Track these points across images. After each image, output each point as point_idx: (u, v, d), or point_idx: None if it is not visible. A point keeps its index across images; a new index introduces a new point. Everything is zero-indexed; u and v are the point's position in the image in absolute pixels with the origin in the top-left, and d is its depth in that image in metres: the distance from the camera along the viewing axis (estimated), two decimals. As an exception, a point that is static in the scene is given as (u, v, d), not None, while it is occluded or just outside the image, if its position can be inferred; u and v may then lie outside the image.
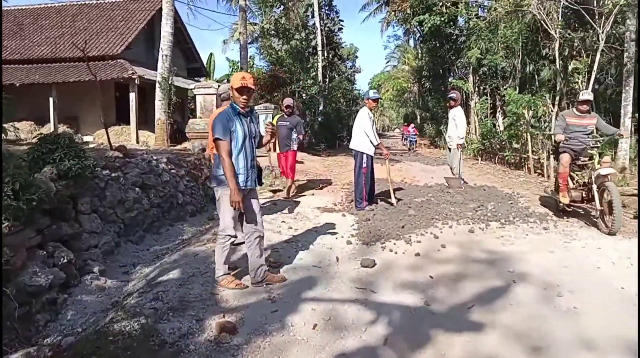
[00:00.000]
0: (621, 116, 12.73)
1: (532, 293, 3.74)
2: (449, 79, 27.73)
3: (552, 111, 11.55)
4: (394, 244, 5.13)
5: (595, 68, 10.63)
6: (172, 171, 7.23)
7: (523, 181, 10.49)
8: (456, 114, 8.84)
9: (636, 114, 13.55)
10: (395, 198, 7.15)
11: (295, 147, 7.86)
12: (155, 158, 6.97)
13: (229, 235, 3.87)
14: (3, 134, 4.59)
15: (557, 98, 13.20)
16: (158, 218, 6.46)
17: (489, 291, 3.80)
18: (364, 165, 6.77)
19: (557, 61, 12.50)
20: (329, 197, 8.16)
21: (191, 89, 9.98)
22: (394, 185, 8.98)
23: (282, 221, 6.23)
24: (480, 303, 3.56)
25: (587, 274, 4.16)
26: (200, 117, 9.73)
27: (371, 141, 6.74)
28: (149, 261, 5.25)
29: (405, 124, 31.91)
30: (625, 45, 11.96)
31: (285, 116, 7.81)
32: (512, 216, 6.23)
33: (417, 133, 27.95)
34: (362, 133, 6.75)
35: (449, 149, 9.28)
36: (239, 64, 16.93)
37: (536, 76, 16.87)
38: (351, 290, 3.87)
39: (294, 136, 7.76)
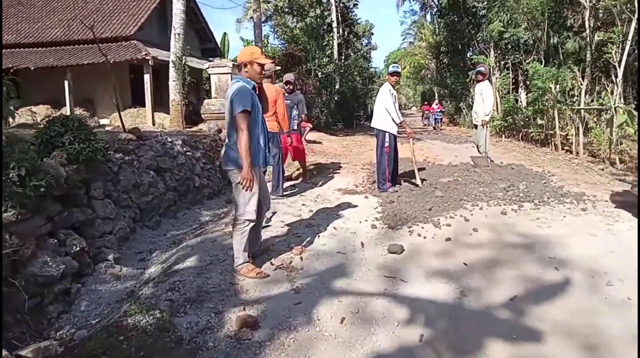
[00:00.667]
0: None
1: (578, 282, 3.42)
2: (468, 55, 26.90)
3: (581, 84, 10.93)
4: (422, 228, 4.83)
5: (630, 38, 9.96)
6: (188, 153, 6.99)
7: (551, 159, 10.03)
8: (483, 89, 8.34)
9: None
10: (420, 178, 6.83)
11: (295, 127, 7.23)
12: (170, 140, 6.73)
13: (249, 220, 3.61)
14: (15, 118, 4.38)
15: (588, 71, 12.53)
16: (175, 202, 6.25)
17: (531, 280, 3.49)
18: (387, 145, 6.43)
19: (588, 31, 11.82)
20: (350, 178, 7.87)
21: (205, 69, 9.66)
22: (417, 165, 8.67)
23: (303, 204, 5.98)
24: (522, 294, 3.27)
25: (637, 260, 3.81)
26: (216, 98, 9.45)
27: (393, 119, 6.38)
28: (166, 247, 5.06)
29: (426, 103, 30.84)
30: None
31: (286, 94, 7.13)
32: (546, 197, 5.85)
33: (443, 110, 27.14)
34: (384, 110, 6.40)
35: (475, 126, 8.83)
36: (254, 43, 16.50)
37: (560, 49, 16.12)
38: (380, 279, 3.60)
39: (295, 113, 7.16)
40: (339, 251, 4.22)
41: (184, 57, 9.56)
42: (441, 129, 23.58)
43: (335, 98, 23.91)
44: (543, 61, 15.36)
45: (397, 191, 6.42)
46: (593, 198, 5.82)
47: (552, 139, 12.23)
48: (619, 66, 9.76)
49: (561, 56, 16.11)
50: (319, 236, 4.66)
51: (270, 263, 3.97)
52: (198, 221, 6.19)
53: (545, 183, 6.63)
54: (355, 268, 3.82)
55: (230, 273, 3.72)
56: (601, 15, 13.78)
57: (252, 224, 3.65)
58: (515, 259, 3.92)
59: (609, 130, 9.30)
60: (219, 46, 24.57)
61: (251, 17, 18.09)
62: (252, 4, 15.47)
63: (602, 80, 11.66)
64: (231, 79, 9.76)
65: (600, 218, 4.97)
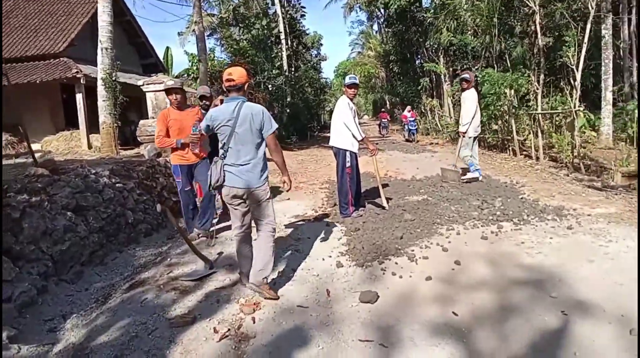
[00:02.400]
0: (602, 90, 12.14)
1: (604, 334, 2.78)
2: (417, 62, 27.00)
3: (537, 89, 10.74)
4: (395, 263, 4.12)
5: (586, 40, 9.84)
6: (118, 185, 5.98)
7: (514, 166, 9.69)
8: (466, 98, 7.72)
9: (614, 85, 13.05)
10: (386, 197, 6.16)
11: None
12: (94, 171, 5.72)
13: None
14: None
15: (541, 76, 12.45)
16: (101, 245, 5.23)
17: (546, 337, 2.82)
18: (348, 165, 5.72)
19: (539, 35, 11.72)
20: (308, 201, 7.10)
21: (140, 87, 8.67)
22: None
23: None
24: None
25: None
26: (153, 118, 8.46)
27: (354, 136, 5.69)
28: (87, 306, 4.08)
29: (383, 110, 28.24)
30: (601, 18, 11.31)
31: (203, 111, 5.51)
32: (525, 214, 5.31)
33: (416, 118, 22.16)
34: (343, 127, 5.69)
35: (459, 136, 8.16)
36: (198, 57, 15.51)
37: (508, 55, 16.19)
38: (354, 346, 2.84)
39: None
40: (300, 305, 3.43)
41: (114, 74, 8.51)
42: (418, 141, 19.46)
43: (287, 111, 23.20)
44: (495, 67, 15.28)
45: (361, 216, 5.71)
46: (574, 213, 5.34)
47: (510, 144, 12.00)
48: (577, 69, 9.59)
49: (508, 62, 16.18)
50: (274, 283, 3.85)
51: (214, 329, 3.13)
52: (132, 265, 5.18)
53: (518, 196, 6.12)
54: (321, 331, 3.03)
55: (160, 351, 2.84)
56: (551, 19, 13.90)
57: None
58: (516, 303, 3.25)
59: (570, 134, 9.05)
60: (162, 60, 23.39)
61: (193, 30, 17.09)
62: (193, 16, 14.51)
63: (560, 84, 11.53)
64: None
65: (590, 238, 4.45)
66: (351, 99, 5.80)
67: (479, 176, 7.59)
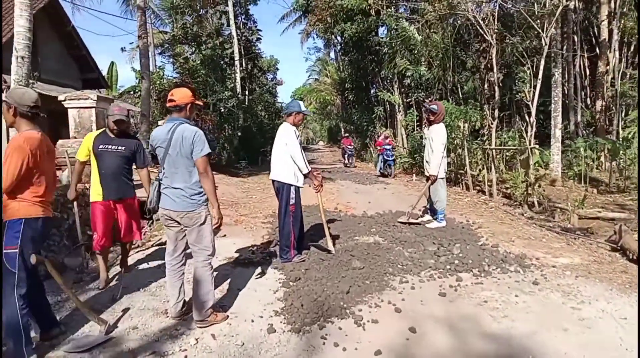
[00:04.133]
0: (551, 127, 12.21)
1: None
2: (372, 91, 27.05)
3: (491, 123, 10.57)
4: (339, 329, 3.39)
5: (540, 76, 9.77)
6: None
7: (468, 203, 9.31)
8: (433, 134, 6.64)
9: (561, 123, 13.21)
10: (333, 238, 5.47)
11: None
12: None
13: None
14: None
15: (496, 111, 12.40)
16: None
17: None
18: (292, 201, 4.99)
19: (495, 69, 11.68)
20: (246, 238, 6.28)
21: (62, 102, 7.60)
22: (327, 216, 7.35)
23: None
24: None
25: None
26: (75, 138, 7.45)
27: (299, 168, 4.99)
28: None
29: (347, 135, 24.00)
30: (552, 55, 11.44)
31: (112, 136, 4.36)
32: (485, 264, 4.76)
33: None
34: (287, 158, 4.98)
35: (427, 178, 6.87)
36: (141, 73, 14.50)
37: (460, 88, 16.32)
38: None
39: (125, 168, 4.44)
40: (212, 396, 2.62)
41: (31, 86, 7.47)
42: (355, 166, 20.46)
43: (239, 134, 22.34)
44: (448, 99, 15.25)
45: (304, 261, 4.98)
46: (538, 263, 4.85)
47: (463, 178, 11.75)
48: (532, 105, 9.47)
49: (460, 95, 16.29)
50: (191, 356, 3.03)
51: None
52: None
53: (481, 244, 5.56)
54: None
55: None
56: (502, 55, 14.08)
57: None
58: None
59: (525, 171, 8.82)
60: (105, 76, 22.08)
61: (138, 46, 16.09)
62: (137, 29, 13.59)
63: (511, 119, 11.47)
64: (97, 116, 7.85)
65: (560, 296, 3.91)
66: (297, 127, 5.14)
67: (444, 225, 6.65)
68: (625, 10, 13.77)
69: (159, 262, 5.05)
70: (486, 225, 6.81)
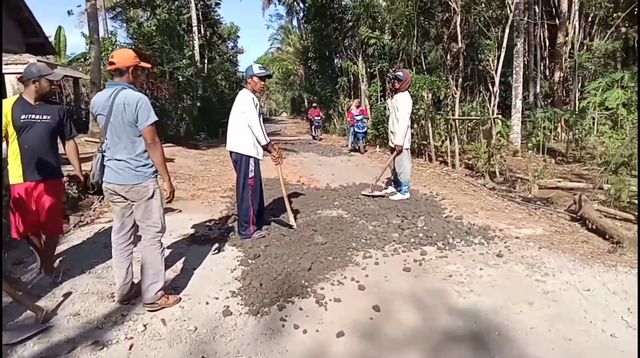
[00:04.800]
0: (512, 98, 12.29)
1: None
2: (336, 61, 26.58)
3: (455, 93, 10.49)
4: (300, 309, 3.21)
5: (504, 45, 9.68)
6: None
7: (431, 174, 9.29)
8: (399, 102, 6.30)
9: (522, 95, 13.36)
10: (294, 212, 5.25)
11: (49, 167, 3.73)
12: None
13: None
14: None
15: (459, 80, 12.32)
16: None
17: None
18: (251, 174, 4.70)
19: (459, 38, 11.52)
20: (203, 214, 5.97)
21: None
22: (289, 189, 7.12)
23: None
24: None
25: (611, 353, 2.64)
26: (12, 107, 6.80)
27: (257, 139, 4.68)
28: None
29: (315, 106, 21.29)
30: (515, 24, 11.37)
31: (34, 104, 3.57)
32: (449, 236, 4.66)
33: (367, 116, 17.66)
34: (245, 128, 4.65)
35: (392, 149, 6.63)
36: (90, 38, 13.51)
37: (424, 58, 16.15)
38: None
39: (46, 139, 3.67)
40: (159, 389, 2.39)
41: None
42: (321, 139, 19.19)
43: (198, 104, 21.54)
44: (412, 69, 15.07)
45: (264, 237, 4.74)
46: (501, 234, 4.81)
47: (426, 149, 11.73)
48: (496, 74, 9.40)
49: (424, 65, 16.15)
50: (138, 345, 2.77)
51: None
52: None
53: (445, 216, 5.47)
54: None
55: None
56: (466, 24, 13.95)
57: None
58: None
59: (487, 142, 8.82)
60: (52, 42, 20.60)
61: (86, 9, 14.93)
62: (84, -10, 12.60)
63: (475, 89, 11.42)
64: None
65: (524, 269, 3.86)
66: (255, 94, 4.79)
67: (408, 197, 6.50)
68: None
69: (107, 240, 4.68)
70: (450, 196, 6.76)
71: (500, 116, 9.01)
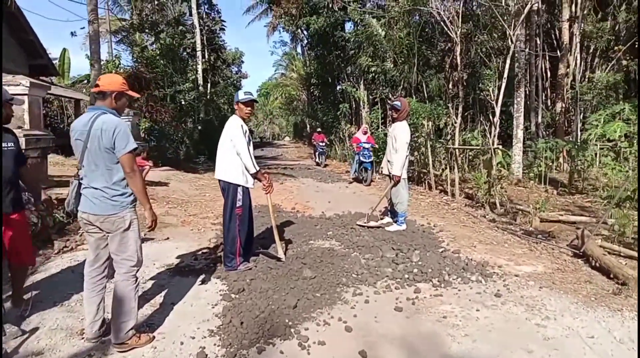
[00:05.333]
0: (513, 128, 12.18)
1: None
2: (338, 87, 26.73)
3: (455, 122, 10.38)
4: (281, 353, 2.97)
5: (505, 75, 9.61)
6: None
7: (430, 204, 9.07)
8: (397, 131, 6.16)
9: (523, 125, 13.26)
10: (284, 243, 5.04)
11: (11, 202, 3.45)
12: None
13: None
14: None
15: (460, 108, 12.24)
16: None
17: None
18: (239, 204, 4.52)
19: (459, 67, 11.50)
20: (191, 242, 5.75)
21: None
22: (282, 217, 6.92)
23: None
24: None
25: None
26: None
27: (246, 167, 4.52)
28: None
29: (319, 130, 19.84)
30: (516, 56, 11.36)
31: None
32: (445, 273, 4.43)
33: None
34: (233, 155, 4.50)
35: (389, 177, 6.39)
36: (90, 60, 13.56)
37: (425, 86, 16.16)
38: None
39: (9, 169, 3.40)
40: None
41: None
42: (326, 165, 18.11)
43: (199, 127, 21.54)
44: (413, 97, 15.05)
45: (250, 269, 4.53)
46: (500, 271, 4.57)
47: (426, 178, 11.55)
48: (497, 104, 9.31)
49: (425, 93, 16.14)
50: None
51: None
52: None
53: (442, 251, 5.22)
54: None
55: None
56: (467, 54, 13.98)
57: None
58: None
59: (487, 172, 8.64)
60: (57, 64, 20.83)
61: (89, 32, 15.04)
62: (87, 12, 12.68)
63: (476, 118, 11.34)
64: (33, 103, 7.10)
65: (524, 311, 3.62)
66: (244, 121, 4.66)
67: (404, 228, 6.27)
68: (585, 13, 13.91)
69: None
70: (448, 228, 6.54)
71: (500, 146, 8.84)
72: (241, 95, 4.66)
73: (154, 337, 3.17)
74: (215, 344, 3.09)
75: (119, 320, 2.98)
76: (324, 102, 27.88)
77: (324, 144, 18.66)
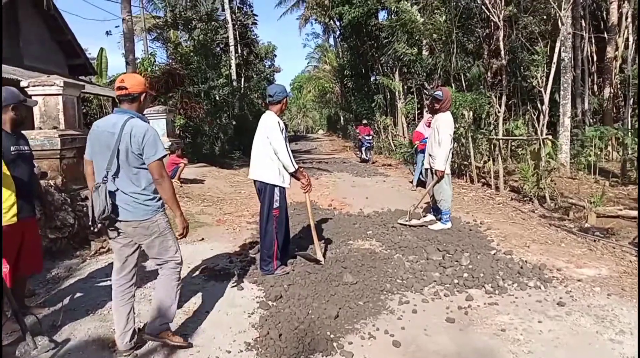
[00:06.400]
0: (559, 115, 11.46)
1: None
2: (372, 79, 26.22)
3: (498, 111, 9.82)
4: (324, 371, 2.73)
5: (555, 60, 8.98)
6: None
7: (474, 198, 8.61)
8: (439, 123, 5.82)
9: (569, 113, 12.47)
10: (322, 246, 4.79)
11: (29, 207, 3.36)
12: None
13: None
14: None
15: (503, 97, 11.61)
16: None
17: None
18: (276, 205, 4.29)
19: (502, 53, 10.88)
20: (227, 243, 5.59)
21: (24, 88, 6.83)
22: (319, 215, 6.68)
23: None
24: None
25: None
26: (40, 128, 6.74)
27: (285, 166, 4.29)
28: None
29: (365, 122, 17.88)
30: (562, 38, 10.62)
31: (12, 134, 3.25)
32: (499, 276, 4.07)
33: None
34: (270, 154, 4.27)
35: (431, 172, 6.09)
36: (125, 59, 13.67)
37: (463, 74, 15.49)
38: None
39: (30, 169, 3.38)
40: None
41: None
42: (375, 162, 16.47)
43: (233, 123, 21.57)
44: (452, 86, 14.46)
45: (288, 273, 4.30)
46: (560, 275, 4.16)
47: (467, 170, 11.04)
48: (545, 92, 8.71)
49: (463, 82, 15.48)
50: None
51: None
52: None
53: (493, 253, 4.81)
54: None
55: None
56: (508, 39, 13.29)
57: None
58: None
59: (535, 164, 8.10)
60: (94, 64, 21.26)
61: (123, 30, 15.18)
62: (121, 10, 12.77)
63: (521, 107, 10.72)
64: (63, 104, 7.09)
65: (592, 323, 3.23)
66: (280, 116, 4.42)
67: (449, 226, 5.89)
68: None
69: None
70: (496, 226, 6.11)
71: (550, 136, 8.26)
72: (273, 90, 4.44)
73: (190, 344, 3.05)
74: (252, 358, 2.88)
75: (157, 312, 2.97)
76: (358, 94, 27.42)
77: (370, 137, 16.97)
